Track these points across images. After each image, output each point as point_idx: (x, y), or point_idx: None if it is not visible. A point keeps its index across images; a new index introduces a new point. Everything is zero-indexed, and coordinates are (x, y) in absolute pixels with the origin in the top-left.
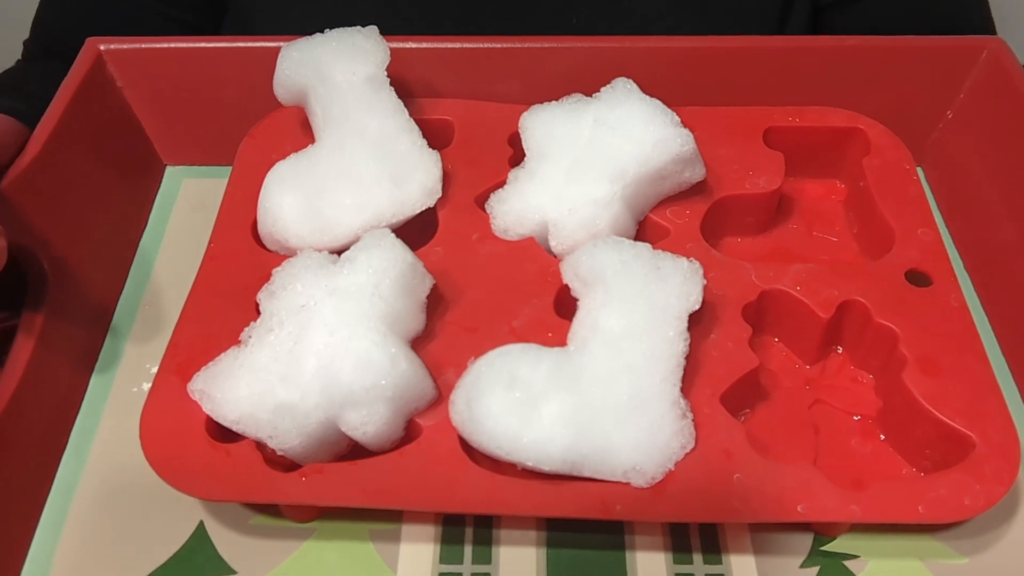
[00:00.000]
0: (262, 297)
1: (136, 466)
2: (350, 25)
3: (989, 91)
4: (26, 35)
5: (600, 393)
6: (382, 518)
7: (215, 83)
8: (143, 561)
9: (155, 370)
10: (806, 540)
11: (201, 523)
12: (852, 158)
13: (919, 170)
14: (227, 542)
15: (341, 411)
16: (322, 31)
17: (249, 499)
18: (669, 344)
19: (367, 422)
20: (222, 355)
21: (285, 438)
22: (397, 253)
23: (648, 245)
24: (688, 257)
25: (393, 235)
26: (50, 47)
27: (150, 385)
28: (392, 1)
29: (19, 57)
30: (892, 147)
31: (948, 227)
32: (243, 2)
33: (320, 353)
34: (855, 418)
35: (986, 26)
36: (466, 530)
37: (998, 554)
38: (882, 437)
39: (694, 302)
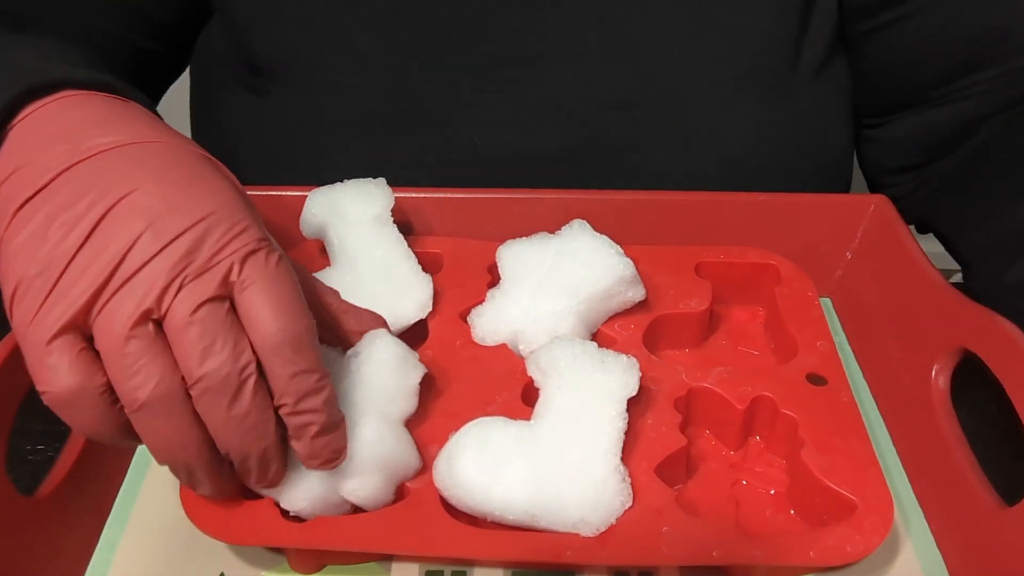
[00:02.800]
0: None
1: (167, 529)
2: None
3: (878, 237)
4: None
5: (555, 458)
6: (374, 572)
7: None
8: None
9: None
10: None
11: (222, 574)
12: (767, 287)
13: (828, 300)
14: None
15: (340, 479)
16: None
17: (267, 543)
18: (611, 421)
19: (362, 487)
20: None
21: (293, 500)
22: (393, 346)
23: (595, 343)
24: (627, 354)
25: (390, 332)
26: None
27: None
28: (393, 29)
29: None
30: (798, 278)
31: (851, 344)
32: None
33: None
34: (771, 492)
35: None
36: (445, 569)
37: None
38: (792, 512)
39: (631, 389)
